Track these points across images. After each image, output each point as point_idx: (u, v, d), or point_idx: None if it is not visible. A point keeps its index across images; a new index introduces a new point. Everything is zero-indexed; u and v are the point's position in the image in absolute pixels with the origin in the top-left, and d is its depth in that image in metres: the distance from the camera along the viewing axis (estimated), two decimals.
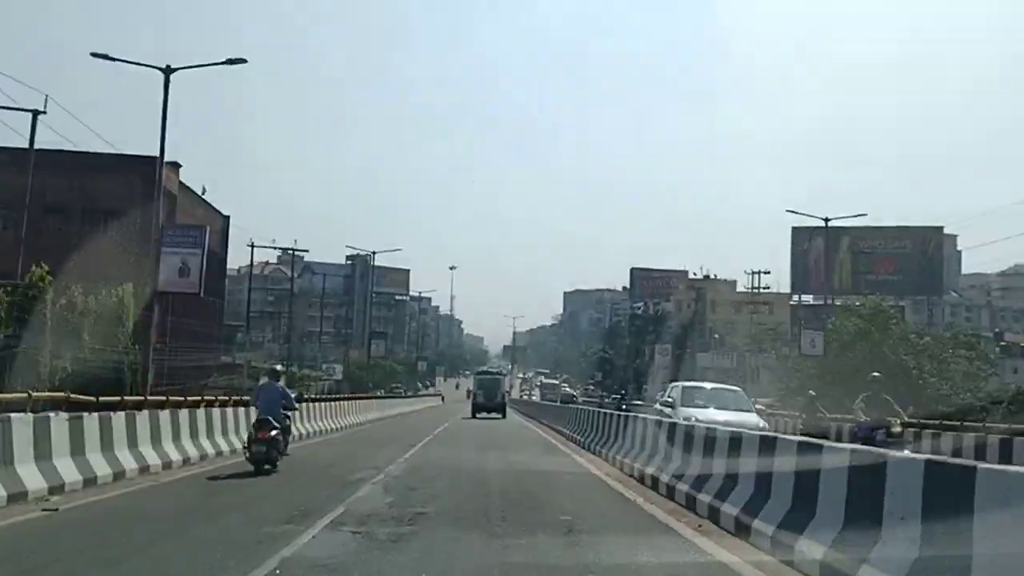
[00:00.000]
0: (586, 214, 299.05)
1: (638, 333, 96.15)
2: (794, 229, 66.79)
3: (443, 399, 77.87)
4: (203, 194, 57.40)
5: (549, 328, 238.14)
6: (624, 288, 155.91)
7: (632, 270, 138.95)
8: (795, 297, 67.35)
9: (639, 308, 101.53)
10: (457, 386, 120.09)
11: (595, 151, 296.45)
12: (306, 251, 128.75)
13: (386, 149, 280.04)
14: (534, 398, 77.76)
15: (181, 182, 51.68)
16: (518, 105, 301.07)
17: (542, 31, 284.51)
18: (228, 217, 63.99)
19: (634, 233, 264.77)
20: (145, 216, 46.92)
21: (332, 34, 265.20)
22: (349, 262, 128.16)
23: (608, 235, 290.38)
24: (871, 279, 59.92)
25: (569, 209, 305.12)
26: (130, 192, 45.90)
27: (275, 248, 59.27)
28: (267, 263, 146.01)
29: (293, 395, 15.04)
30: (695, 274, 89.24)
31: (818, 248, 64.95)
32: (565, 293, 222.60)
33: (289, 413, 14.19)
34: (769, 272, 60.34)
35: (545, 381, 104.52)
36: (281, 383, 14.37)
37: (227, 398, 19.02)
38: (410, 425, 32.94)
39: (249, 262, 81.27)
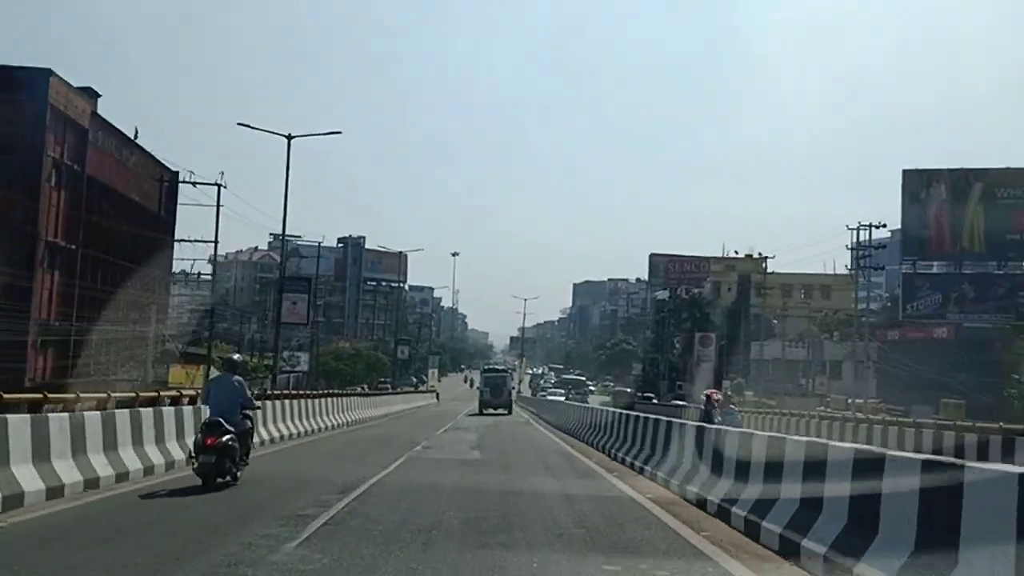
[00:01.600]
0: (593, 206, 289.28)
1: (664, 322, 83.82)
2: (906, 172, 51.10)
3: (438, 397, 65.93)
4: (135, 138, 45.52)
5: (557, 323, 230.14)
6: (638, 279, 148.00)
7: (651, 256, 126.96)
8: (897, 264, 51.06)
9: (665, 294, 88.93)
10: (466, 379, 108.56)
11: (604, 144, 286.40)
12: (298, 236, 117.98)
13: (385, 140, 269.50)
14: (552, 397, 57.60)
15: (96, 114, 39.71)
16: (523, 98, 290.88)
17: (552, 26, 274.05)
18: (176, 173, 51.96)
19: (646, 224, 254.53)
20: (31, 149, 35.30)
21: (334, 27, 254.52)
22: (340, 245, 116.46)
23: (616, 227, 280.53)
24: (1014, 239, 46.01)
25: (575, 202, 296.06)
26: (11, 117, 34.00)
27: (194, 182, 47.05)
28: (255, 248, 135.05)
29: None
30: (736, 252, 76.57)
31: (939, 197, 50.31)
32: (574, 284, 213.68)
33: (249, 413, 11.77)
34: (884, 225, 46.41)
35: (568, 376, 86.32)
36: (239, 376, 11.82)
37: (134, 395, 14.43)
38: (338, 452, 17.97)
39: (239, 247, 69.25)
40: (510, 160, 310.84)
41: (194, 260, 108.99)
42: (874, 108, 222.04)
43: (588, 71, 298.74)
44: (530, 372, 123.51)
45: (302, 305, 53.70)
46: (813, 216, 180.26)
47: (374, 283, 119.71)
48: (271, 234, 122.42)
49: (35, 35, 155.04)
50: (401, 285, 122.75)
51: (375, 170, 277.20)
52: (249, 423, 11.76)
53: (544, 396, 61.53)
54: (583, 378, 74.81)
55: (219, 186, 42.03)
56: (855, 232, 45.94)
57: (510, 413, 44.34)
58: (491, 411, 43.93)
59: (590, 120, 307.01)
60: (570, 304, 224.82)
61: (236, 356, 13.56)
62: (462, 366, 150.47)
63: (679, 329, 72.41)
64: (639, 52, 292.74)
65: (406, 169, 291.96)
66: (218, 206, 43.12)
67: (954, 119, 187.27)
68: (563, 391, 65.25)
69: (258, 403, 13.53)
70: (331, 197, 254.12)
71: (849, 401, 39.22)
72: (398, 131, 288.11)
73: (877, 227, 46.64)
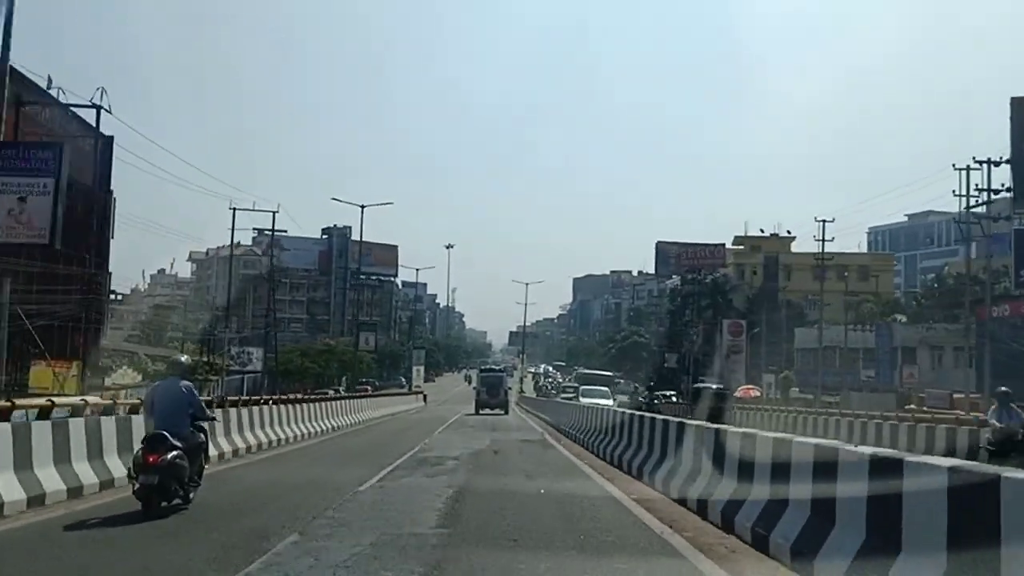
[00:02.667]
0: (591, 204, 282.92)
1: (679, 312, 75.81)
2: (1015, 101, 39.88)
3: (425, 399, 57.70)
4: (49, 87, 37.29)
5: (556, 320, 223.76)
6: (641, 272, 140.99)
7: (658, 244, 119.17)
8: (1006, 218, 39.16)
9: (678, 281, 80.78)
10: (466, 377, 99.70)
11: (600, 141, 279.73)
12: (284, 231, 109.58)
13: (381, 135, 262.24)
14: (591, 400, 37.50)
15: None
16: (520, 97, 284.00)
17: (551, 25, 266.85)
18: (111, 138, 43.83)
19: (644, 222, 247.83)
20: None
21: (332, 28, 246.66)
22: (324, 236, 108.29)
23: (615, 225, 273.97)
24: None
25: (572, 201, 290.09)
26: None
27: (68, 105, 38.16)
28: (238, 243, 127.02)
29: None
30: (763, 230, 68.29)
31: None
32: (575, 279, 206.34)
33: (203, 425, 10.49)
34: (1007, 160, 36.25)
35: (586, 372, 69.17)
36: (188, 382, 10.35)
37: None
38: None
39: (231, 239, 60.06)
40: (507, 161, 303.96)
41: (173, 259, 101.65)
42: (867, 108, 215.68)
43: (587, 69, 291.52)
44: (532, 370, 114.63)
45: (40, 205, 25.08)
46: (804, 212, 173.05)
47: (362, 276, 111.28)
48: (255, 228, 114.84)
49: None
50: (393, 280, 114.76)
51: (369, 166, 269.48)
52: (202, 437, 10.39)
53: (556, 394, 48.67)
54: (608, 374, 54.52)
55: (99, 108, 32.29)
56: (963, 172, 34.44)
57: (507, 413, 43.79)
58: (487, 411, 43.67)
59: (586, 117, 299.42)
60: (570, 300, 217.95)
61: (184, 358, 11.99)
62: (460, 365, 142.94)
63: (699, 317, 64.34)
64: (637, 49, 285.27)
65: (403, 167, 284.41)
66: (98, 131, 33.52)
67: (953, 115, 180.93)
68: (607, 391, 43.52)
69: (213, 412, 12.12)
70: (321, 192, 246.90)
71: (955, 397, 30.64)
72: (394, 129, 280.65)
73: (998, 163, 34.71)
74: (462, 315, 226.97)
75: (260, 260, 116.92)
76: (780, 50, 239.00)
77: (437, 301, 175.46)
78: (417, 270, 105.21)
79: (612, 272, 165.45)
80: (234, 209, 50.82)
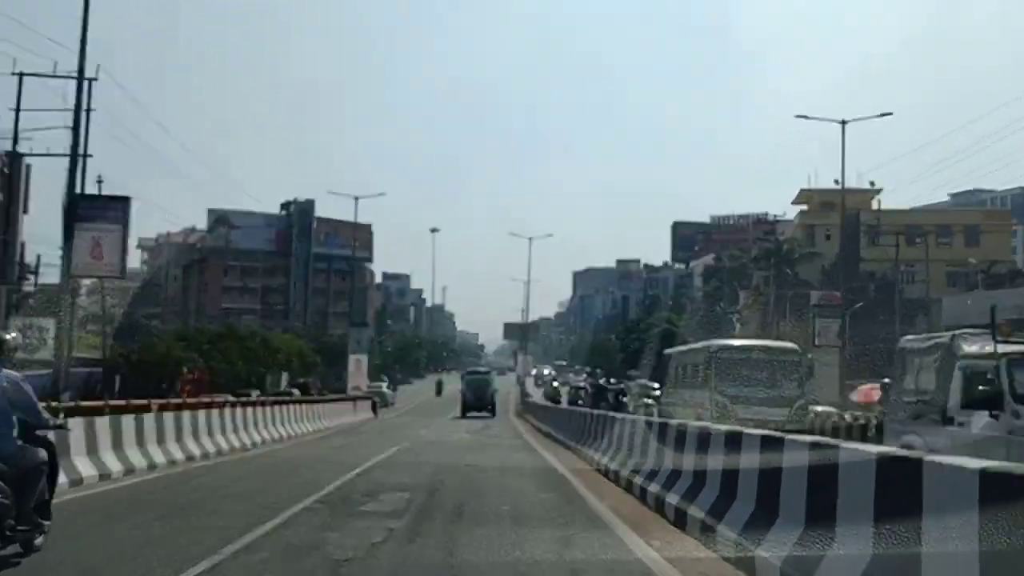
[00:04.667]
0: (592, 199, 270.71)
1: (717, 294, 60.29)
2: None
3: (375, 408, 42.85)
4: None
5: (554, 318, 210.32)
6: (646, 265, 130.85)
7: (675, 224, 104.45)
8: None
9: (707, 259, 65.45)
10: (463, 377, 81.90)
11: (590, 136, 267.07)
12: (251, 214, 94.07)
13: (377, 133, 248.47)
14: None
15: None
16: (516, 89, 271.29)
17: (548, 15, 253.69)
18: None
19: (646, 216, 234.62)
20: None
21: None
22: (283, 213, 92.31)
23: (615, 217, 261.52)
24: None
25: (568, 201, 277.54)
26: None
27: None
28: (193, 228, 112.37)
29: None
30: (837, 181, 52.77)
31: None
32: (575, 273, 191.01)
33: (47, 435, 6.88)
34: None
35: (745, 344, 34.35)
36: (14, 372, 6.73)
37: None
38: None
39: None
40: (505, 159, 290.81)
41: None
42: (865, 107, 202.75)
43: (586, 64, 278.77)
44: (535, 372, 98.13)
45: None
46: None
47: (327, 261, 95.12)
48: (209, 209, 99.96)
49: None
50: (365, 264, 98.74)
51: (358, 162, 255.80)
52: (43, 454, 6.65)
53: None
54: (793, 346, 28.83)
55: None
56: None
57: (494, 415, 42.49)
58: (475, 413, 42.77)
59: (586, 113, 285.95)
60: (569, 296, 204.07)
61: (10, 336, 7.94)
62: (447, 366, 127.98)
63: (758, 296, 48.45)
64: (640, 44, 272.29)
65: (397, 163, 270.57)
66: None
67: (953, 111, 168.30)
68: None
69: (60, 419, 8.08)
70: (304, 177, 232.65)
71: None
72: (392, 128, 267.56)
73: None
74: (452, 315, 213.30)
75: (213, 246, 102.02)
76: (780, 45, 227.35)
77: (423, 297, 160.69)
78: (409, 278, 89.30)
79: (619, 262, 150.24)
80: (20, 74, 31.99)
